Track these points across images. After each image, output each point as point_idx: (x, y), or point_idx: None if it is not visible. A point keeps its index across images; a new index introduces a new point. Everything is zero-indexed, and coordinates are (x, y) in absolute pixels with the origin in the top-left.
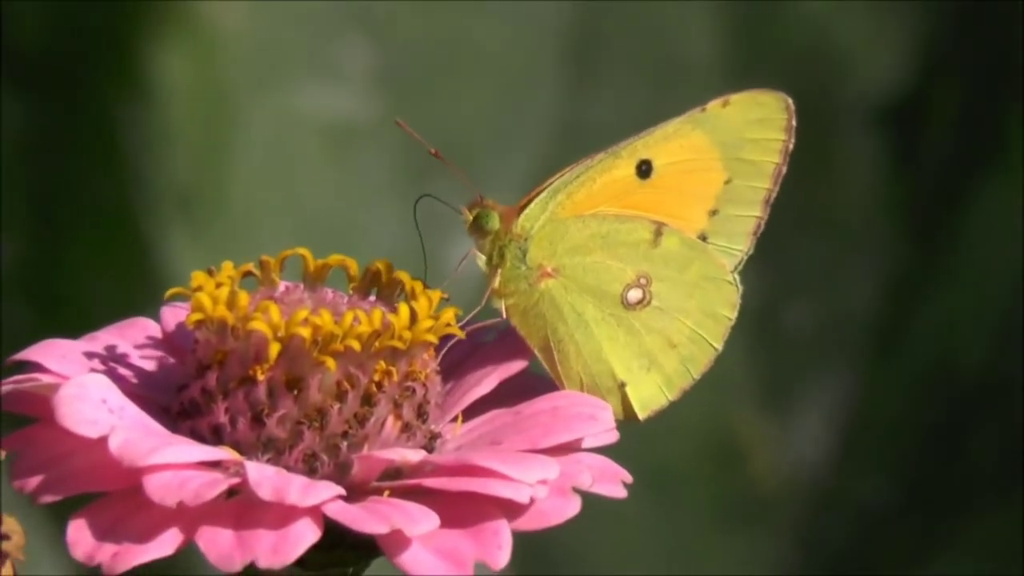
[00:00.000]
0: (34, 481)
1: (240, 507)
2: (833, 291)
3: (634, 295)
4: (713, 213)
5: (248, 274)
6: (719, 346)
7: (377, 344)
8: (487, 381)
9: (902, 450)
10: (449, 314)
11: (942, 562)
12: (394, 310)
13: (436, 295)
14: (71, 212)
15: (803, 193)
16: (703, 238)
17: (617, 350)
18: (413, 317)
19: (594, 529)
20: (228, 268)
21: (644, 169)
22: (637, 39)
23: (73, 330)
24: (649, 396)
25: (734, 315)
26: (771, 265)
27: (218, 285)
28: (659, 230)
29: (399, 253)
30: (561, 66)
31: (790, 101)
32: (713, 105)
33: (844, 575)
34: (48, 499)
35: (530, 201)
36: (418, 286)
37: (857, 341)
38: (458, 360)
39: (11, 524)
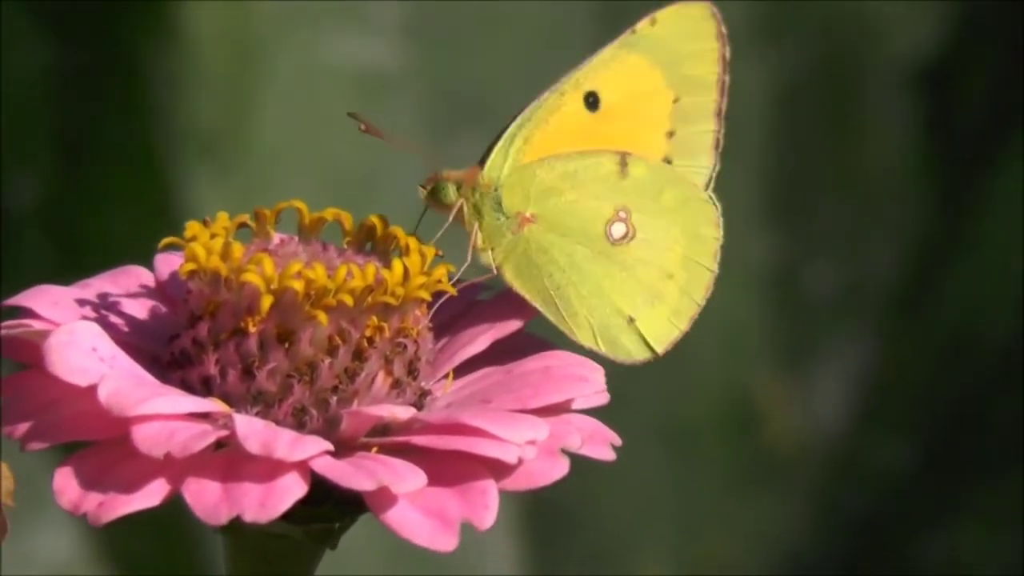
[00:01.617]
0: (23, 427)
1: (228, 460)
2: (856, 254)
3: (618, 230)
4: (670, 135)
5: (244, 226)
6: (713, 267)
7: (370, 299)
8: (480, 340)
9: (921, 416)
10: (442, 271)
11: (959, 528)
12: (388, 265)
13: (431, 251)
14: (95, 153)
15: (829, 154)
16: (667, 161)
17: (617, 286)
18: (406, 273)
19: (608, 486)
20: (223, 219)
21: (592, 101)
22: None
23: (94, 267)
24: (661, 329)
25: (719, 234)
26: (794, 226)
27: (213, 236)
28: (624, 160)
29: (421, 205)
30: (591, 23)
31: (715, 8)
32: (642, 25)
33: (860, 538)
34: (37, 446)
35: (489, 152)
36: (413, 242)
37: (879, 305)
38: (451, 317)
39: (2, 469)
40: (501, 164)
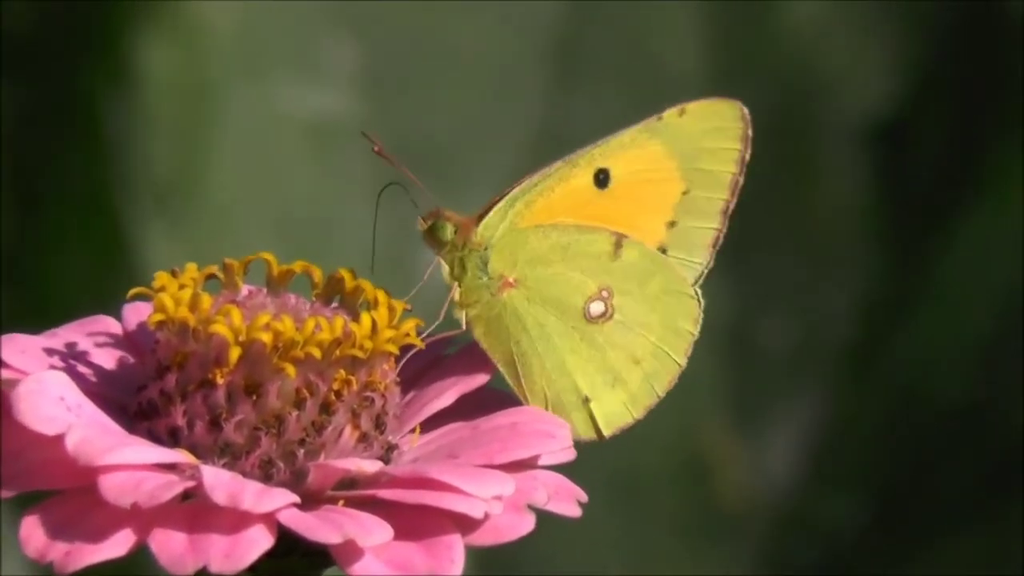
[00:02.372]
0: None
1: (194, 511)
2: (809, 310)
3: (596, 308)
4: (672, 225)
5: (212, 276)
6: (683, 362)
7: (338, 352)
8: (447, 394)
9: (872, 473)
10: (410, 325)
11: None
12: (356, 318)
13: (399, 305)
14: (52, 200)
15: (783, 209)
16: (662, 250)
17: (580, 364)
18: (374, 327)
19: (560, 537)
20: (191, 270)
21: (602, 178)
22: (621, 46)
23: (50, 317)
24: (614, 413)
25: (696, 330)
26: (747, 280)
27: (181, 286)
28: (619, 242)
29: (378, 253)
30: (544, 70)
31: (746, 110)
32: (670, 114)
33: None
34: (4, 493)
35: (488, 210)
36: (381, 295)
37: (831, 361)
38: (419, 372)
39: None
40: (497, 225)
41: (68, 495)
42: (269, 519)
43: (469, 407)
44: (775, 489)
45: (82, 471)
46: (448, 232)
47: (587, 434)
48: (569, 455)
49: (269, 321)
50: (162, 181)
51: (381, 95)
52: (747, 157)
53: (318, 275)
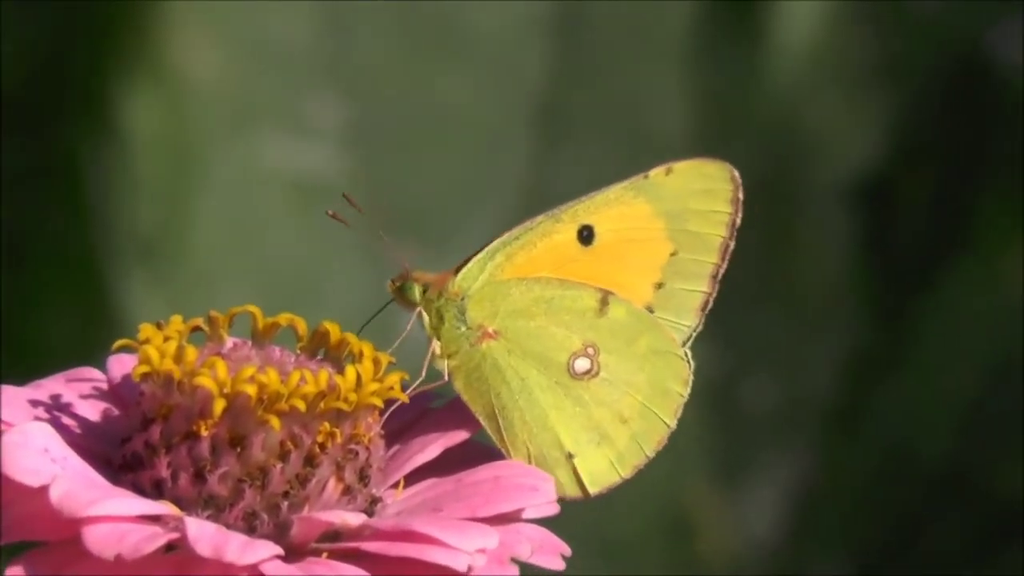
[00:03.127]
0: None
1: (178, 562)
2: (793, 369)
3: (581, 365)
4: (659, 286)
5: (197, 329)
6: (672, 423)
7: (322, 405)
8: (431, 448)
9: (856, 533)
10: (395, 378)
11: None
12: (341, 371)
13: (384, 358)
14: (34, 254)
15: (767, 268)
16: (649, 311)
17: (564, 420)
18: (359, 380)
19: None
20: (177, 322)
21: (586, 235)
22: (609, 108)
23: (31, 371)
24: (599, 471)
25: (686, 391)
26: (732, 339)
27: (166, 339)
28: (605, 299)
29: (362, 311)
30: (532, 130)
31: (736, 172)
32: (656, 172)
33: None
34: None
35: (467, 262)
36: (366, 348)
37: (816, 421)
38: (403, 425)
39: None
40: (476, 275)
41: (52, 547)
42: (253, 571)
43: (454, 461)
44: (760, 548)
45: (66, 523)
46: (416, 293)
47: (572, 491)
48: (553, 509)
49: (254, 374)
50: (146, 235)
51: (367, 152)
52: (737, 221)
53: (303, 328)
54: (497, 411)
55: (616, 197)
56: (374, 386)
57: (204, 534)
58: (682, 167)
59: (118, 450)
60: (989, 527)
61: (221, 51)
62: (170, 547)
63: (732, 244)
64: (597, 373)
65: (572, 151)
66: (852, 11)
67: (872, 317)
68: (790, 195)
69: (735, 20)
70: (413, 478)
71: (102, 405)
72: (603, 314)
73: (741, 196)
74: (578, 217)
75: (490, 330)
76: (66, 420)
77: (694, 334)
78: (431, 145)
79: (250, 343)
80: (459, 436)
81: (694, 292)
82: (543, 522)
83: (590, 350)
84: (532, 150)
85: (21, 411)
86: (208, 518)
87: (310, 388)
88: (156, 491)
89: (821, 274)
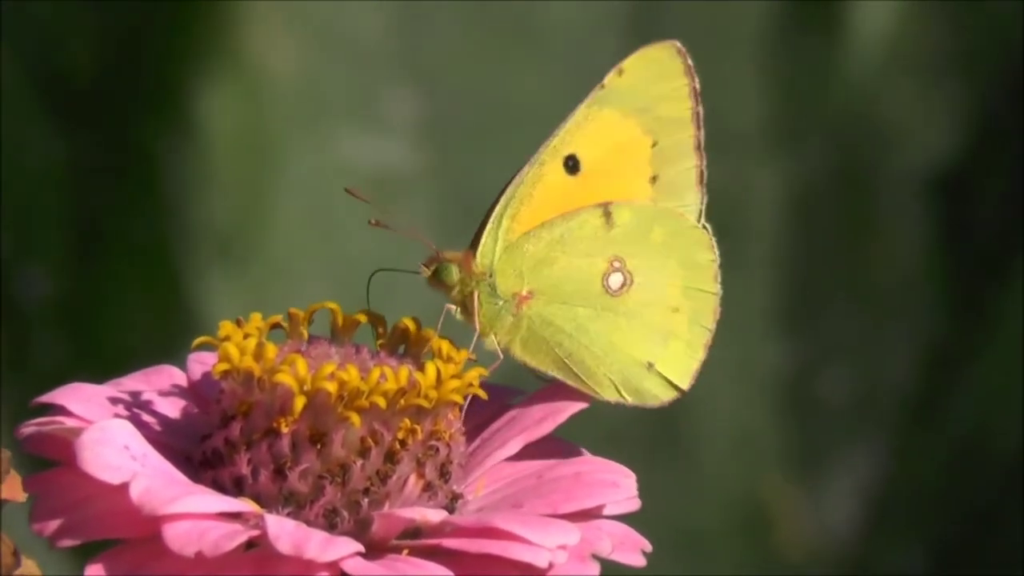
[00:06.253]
0: (53, 524)
1: (258, 560)
2: (870, 360)
3: (615, 281)
4: (654, 179)
5: (276, 326)
6: (716, 290)
7: (402, 402)
8: (511, 443)
9: (932, 524)
10: (474, 374)
11: None
12: (421, 368)
13: (463, 354)
14: (110, 248)
15: (843, 261)
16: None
17: (627, 337)
18: (439, 376)
19: None
20: (256, 319)
21: (571, 165)
22: None
23: (107, 368)
24: (680, 365)
25: (715, 255)
26: (808, 331)
27: (246, 336)
28: (607, 210)
29: (437, 307)
30: None
31: (679, 45)
32: (610, 78)
33: None
34: (67, 543)
35: (479, 236)
36: (445, 345)
37: (891, 413)
38: (483, 421)
39: (30, 567)
40: (492, 248)
41: (132, 544)
42: (333, 568)
43: (534, 456)
44: (836, 540)
45: (146, 520)
46: (453, 273)
47: (668, 395)
48: (634, 505)
49: (334, 370)
50: (222, 231)
51: (442, 147)
52: (697, 87)
53: (383, 325)
54: (566, 360)
55: (584, 116)
56: (454, 383)
57: (284, 531)
58: (630, 62)
59: (198, 447)
60: None
61: (298, 46)
62: (250, 544)
63: (701, 111)
64: (632, 281)
65: None
66: (928, 3)
67: (949, 308)
68: (867, 186)
69: (811, 14)
70: (494, 474)
71: (181, 402)
72: (612, 225)
73: (691, 63)
74: (558, 151)
75: (523, 292)
76: (145, 417)
77: (703, 207)
78: (505, 140)
79: (329, 340)
80: (539, 431)
81: (686, 169)
82: (624, 518)
83: (616, 264)
84: None
85: (100, 408)
86: (288, 515)
87: (390, 385)
88: (236, 488)
89: (898, 265)
